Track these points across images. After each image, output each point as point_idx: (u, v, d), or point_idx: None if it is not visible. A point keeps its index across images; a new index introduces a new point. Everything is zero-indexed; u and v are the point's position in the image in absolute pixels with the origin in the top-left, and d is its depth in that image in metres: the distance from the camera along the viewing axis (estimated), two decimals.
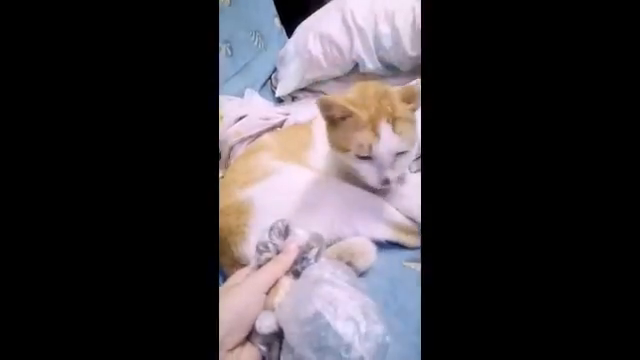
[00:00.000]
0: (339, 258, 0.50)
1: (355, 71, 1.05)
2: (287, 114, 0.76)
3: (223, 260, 0.55)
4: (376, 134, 0.48)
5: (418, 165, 0.66)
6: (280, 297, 0.36)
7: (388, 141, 0.48)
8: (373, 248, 0.52)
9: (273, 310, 0.35)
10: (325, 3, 1.14)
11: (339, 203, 0.55)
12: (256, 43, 1.17)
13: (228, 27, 1.09)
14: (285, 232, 0.41)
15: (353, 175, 0.55)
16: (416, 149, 0.54)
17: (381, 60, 1.01)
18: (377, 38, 0.99)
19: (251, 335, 0.35)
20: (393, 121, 0.48)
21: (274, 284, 0.37)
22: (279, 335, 0.34)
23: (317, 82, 1.11)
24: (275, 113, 0.75)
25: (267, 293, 0.36)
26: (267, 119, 0.72)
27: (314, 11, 1.13)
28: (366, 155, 0.49)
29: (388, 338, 0.32)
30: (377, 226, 0.55)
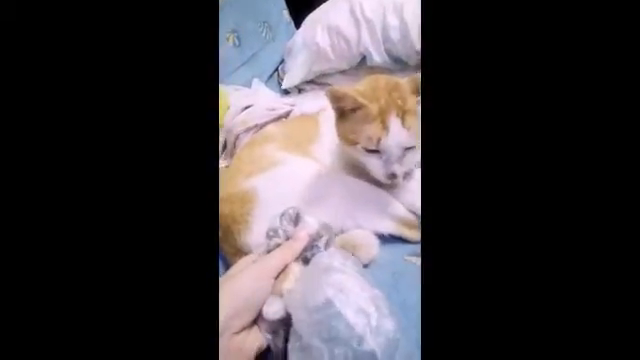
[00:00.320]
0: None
1: (362, 64, 1.05)
2: (293, 105, 0.76)
3: (226, 248, 0.55)
4: (385, 128, 0.48)
5: None
6: (289, 283, 0.36)
7: (397, 135, 0.48)
8: (376, 241, 0.52)
9: (281, 296, 0.35)
10: None
11: (343, 196, 0.55)
12: (264, 34, 1.16)
13: (236, 17, 1.09)
14: (295, 219, 0.41)
15: (360, 168, 0.55)
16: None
17: (388, 53, 1.00)
18: (385, 30, 0.98)
19: (258, 320, 0.35)
20: (403, 115, 0.48)
21: (283, 270, 0.37)
22: (286, 322, 0.34)
23: (324, 74, 1.10)
24: (281, 104, 0.75)
25: (276, 279, 0.36)
26: (273, 109, 0.72)
27: (323, 3, 1.13)
28: (374, 149, 0.49)
29: (399, 335, 0.31)
30: (380, 220, 0.54)
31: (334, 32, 1.03)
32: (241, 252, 0.53)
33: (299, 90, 1.13)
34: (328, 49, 1.04)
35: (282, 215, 0.40)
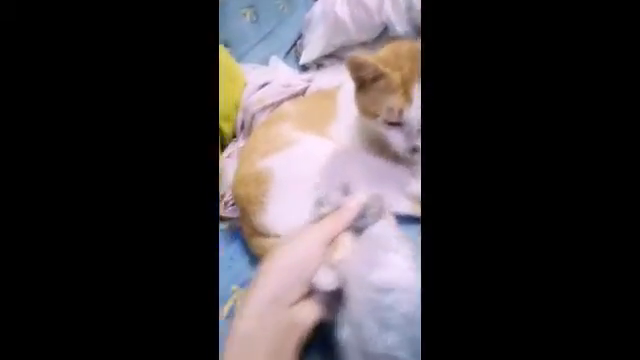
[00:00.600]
0: None
1: (384, 35, 0.99)
2: (310, 81, 0.73)
3: (245, 229, 0.56)
4: (408, 98, 0.45)
5: None
6: (341, 253, 0.34)
7: (421, 106, 0.45)
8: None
9: (333, 267, 0.33)
10: None
11: (360, 176, 0.53)
12: (282, 7, 1.13)
13: None
14: (345, 190, 0.40)
15: (380, 144, 0.53)
16: None
17: (412, 22, 0.94)
18: None
19: (311, 292, 0.33)
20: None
21: (334, 239, 0.35)
22: (338, 296, 0.32)
23: (344, 48, 1.06)
24: (298, 80, 0.72)
25: (326, 248, 0.35)
26: (289, 86, 0.70)
27: None
28: (396, 121, 0.47)
29: None
30: (398, 200, 0.53)
31: (354, 1, 0.98)
32: (257, 233, 0.53)
33: (318, 65, 1.10)
34: (347, 19, 0.99)
35: (331, 186, 0.40)
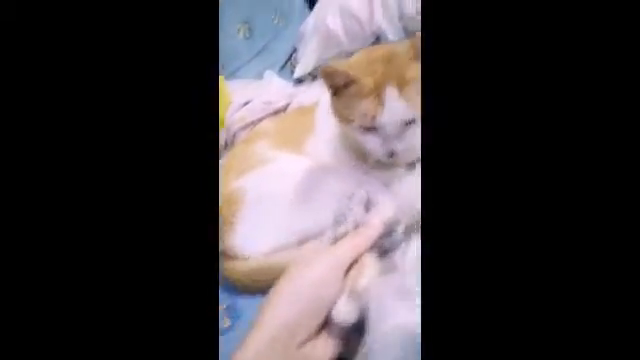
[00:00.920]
0: None
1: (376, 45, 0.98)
2: (292, 97, 0.73)
3: None
4: (380, 103, 0.44)
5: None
6: (364, 279, 0.30)
7: (394, 110, 0.44)
8: None
9: (354, 295, 0.29)
10: None
11: (333, 193, 0.51)
12: (276, 22, 1.13)
13: (247, 7, 1.06)
14: (367, 204, 0.36)
15: (360, 151, 0.51)
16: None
17: (405, 30, 0.92)
18: (400, 5, 0.90)
19: (327, 325, 0.29)
20: (400, 85, 0.43)
21: (355, 261, 0.31)
22: (359, 328, 0.29)
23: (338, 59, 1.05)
24: (279, 96, 0.72)
25: (346, 273, 0.31)
26: (270, 103, 0.69)
27: None
28: (370, 126, 0.45)
29: None
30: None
31: (345, 12, 0.97)
32: (226, 256, 0.51)
33: (313, 77, 1.09)
34: (339, 31, 0.97)
35: (351, 198, 0.36)
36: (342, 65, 0.46)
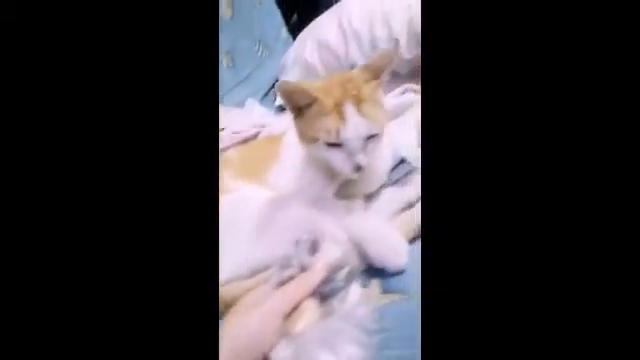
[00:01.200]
0: None
1: None
2: (263, 126, 0.75)
3: None
4: (342, 118, 0.47)
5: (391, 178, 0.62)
6: (302, 323, 0.32)
7: (355, 124, 0.46)
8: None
9: (291, 338, 0.31)
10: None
11: (293, 225, 0.53)
12: (260, 53, 1.17)
13: (231, 38, 1.11)
14: (313, 247, 0.37)
15: (325, 176, 0.53)
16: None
17: None
18: (373, 41, 0.95)
19: None
20: (358, 103, 0.47)
21: (295, 307, 0.33)
22: None
23: None
24: (248, 126, 0.74)
25: (286, 318, 0.32)
26: (238, 133, 0.71)
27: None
28: (334, 142, 0.47)
29: None
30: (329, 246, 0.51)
31: (323, 46, 1.01)
32: None
33: None
34: (317, 64, 1.02)
35: (297, 242, 0.37)
36: (302, 83, 0.49)
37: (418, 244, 0.48)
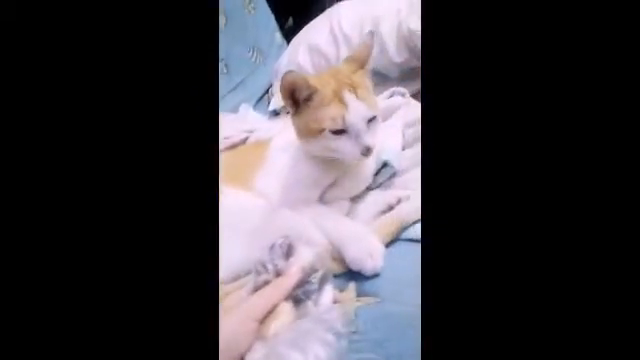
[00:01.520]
0: None
1: None
2: (250, 131, 0.76)
3: None
4: (344, 104, 0.49)
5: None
6: (277, 326, 0.33)
7: (356, 108, 0.49)
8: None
9: (266, 341, 0.32)
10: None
11: (276, 230, 0.53)
12: (254, 59, 1.18)
13: (224, 45, 1.12)
14: (287, 252, 0.38)
15: (309, 183, 0.55)
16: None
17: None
18: None
19: None
20: (354, 90, 0.50)
21: (270, 311, 0.34)
22: None
23: None
24: (237, 131, 0.75)
25: (262, 322, 0.33)
26: (227, 138, 0.72)
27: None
28: (341, 128, 0.49)
29: None
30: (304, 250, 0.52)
31: (315, 51, 1.03)
32: None
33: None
34: (309, 68, 1.03)
35: (272, 248, 0.38)
36: (302, 74, 0.51)
37: (395, 248, 0.49)
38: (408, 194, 0.55)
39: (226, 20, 1.13)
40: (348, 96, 0.49)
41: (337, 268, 0.50)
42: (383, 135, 0.65)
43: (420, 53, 0.89)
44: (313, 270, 0.36)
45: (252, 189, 0.59)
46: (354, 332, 0.36)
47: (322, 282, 0.36)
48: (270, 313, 0.34)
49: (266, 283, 0.36)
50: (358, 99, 0.50)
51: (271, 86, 1.18)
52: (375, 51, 0.95)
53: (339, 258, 0.49)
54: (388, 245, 0.48)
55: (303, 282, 0.35)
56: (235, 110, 1.08)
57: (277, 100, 1.11)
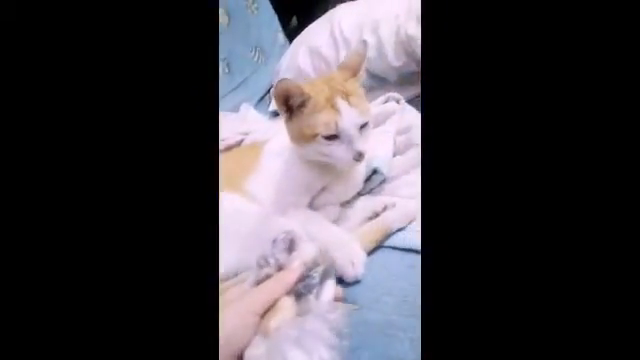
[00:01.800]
0: None
1: None
2: (246, 133, 0.77)
3: None
4: (337, 110, 0.51)
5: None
6: (278, 321, 0.33)
7: (349, 115, 0.51)
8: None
9: (267, 336, 0.32)
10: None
11: (266, 233, 0.54)
12: (256, 59, 1.20)
13: (227, 44, 1.13)
14: (290, 246, 0.38)
15: (301, 188, 0.56)
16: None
17: (367, 71, 0.97)
18: None
19: None
20: (347, 97, 0.51)
21: (271, 305, 0.34)
22: None
23: None
24: (233, 133, 0.76)
25: (262, 316, 0.33)
26: (222, 140, 0.74)
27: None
28: (334, 133, 0.51)
29: None
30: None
31: (315, 53, 1.03)
32: None
33: None
34: (309, 71, 1.03)
35: (274, 242, 0.38)
36: (296, 82, 0.52)
37: (377, 255, 0.49)
38: (394, 201, 0.55)
39: (229, 20, 1.14)
40: (341, 103, 0.51)
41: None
42: (375, 141, 0.66)
43: (418, 58, 0.89)
44: (315, 264, 0.36)
45: (245, 192, 0.60)
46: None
47: (324, 277, 0.36)
48: (271, 307, 0.34)
49: (268, 277, 0.36)
50: (350, 106, 0.51)
51: (272, 86, 1.19)
52: (374, 55, 0.96)
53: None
54: (372, 252, 0.49)
55: (305, 276, 0.36)
56: (236, 110, 1.09)
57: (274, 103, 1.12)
